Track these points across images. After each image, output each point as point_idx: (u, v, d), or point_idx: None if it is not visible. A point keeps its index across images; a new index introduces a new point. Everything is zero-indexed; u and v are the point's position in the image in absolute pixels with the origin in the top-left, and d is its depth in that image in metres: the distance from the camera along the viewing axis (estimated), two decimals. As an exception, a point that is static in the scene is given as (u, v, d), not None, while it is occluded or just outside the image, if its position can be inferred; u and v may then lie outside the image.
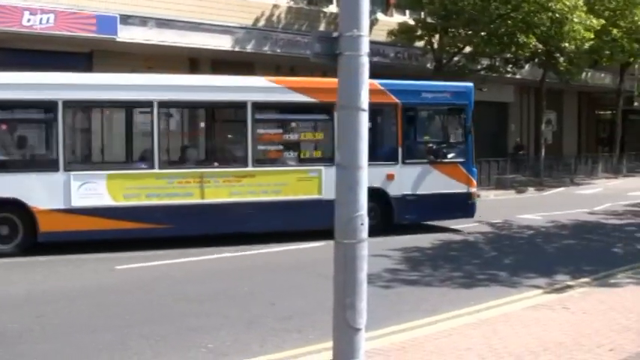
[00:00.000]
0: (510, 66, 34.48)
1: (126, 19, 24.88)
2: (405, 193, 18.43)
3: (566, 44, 32.18)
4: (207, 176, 16.56)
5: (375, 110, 11.91)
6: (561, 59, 34.68)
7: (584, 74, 42.08)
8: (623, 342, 8.29)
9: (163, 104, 16.46)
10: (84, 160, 17.65)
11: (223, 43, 28.21)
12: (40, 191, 15.25)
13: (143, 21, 25.83)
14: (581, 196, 29.64)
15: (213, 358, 8.20)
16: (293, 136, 18.14)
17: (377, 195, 17.32)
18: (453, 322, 9.50)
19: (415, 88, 19.66)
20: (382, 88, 18.25)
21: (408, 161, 18.59)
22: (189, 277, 13.03)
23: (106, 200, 15.68)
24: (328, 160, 16.54)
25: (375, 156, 13.83)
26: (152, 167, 16.15)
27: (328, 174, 16.36)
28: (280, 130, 18.09)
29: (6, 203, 15.04)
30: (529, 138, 45.08)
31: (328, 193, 14.62)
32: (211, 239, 15.99)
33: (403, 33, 32.60)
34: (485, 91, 39.24)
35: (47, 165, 15.64)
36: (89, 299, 11.08)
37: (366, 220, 5.83)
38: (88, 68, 25.19)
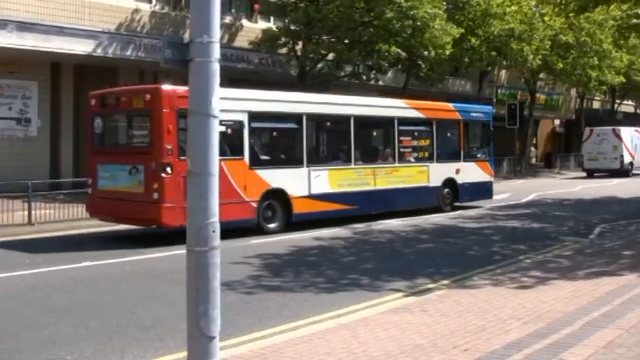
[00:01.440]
0: (373, 73, 34.95)
1: (-16, 22, 24.27)
2: (464, 182, 25.99)
3: (428, 52, 32.87)
4: (377, 170, 23.33)
5: (449, 124, 25.78)
6: (423, 66, 35.40)
7: (445, 81, 43.09)
8: (478, 342, 8.46)
9: (357, 119, 22.63)
10: (315, 158, 21.95)
11: (86, 47, 27.74)
12: (293, 182, 20.56)
13: (3, 24, 25.14)
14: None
15: (71, 371, 8.02)
16: (414, 141, 25.29)
17: (451, 183, 25.67)
18: (313, 328, 9.52)
19: (468, 108, 28.28)
20: (453, 108, 26.86)
21: (465, 159, 26.40)
22: (52, 286, 12.70)
23: (328, 188, 21.67)
24: (430, 158, 25.09)
25: (450, 155, 25.75)
26: (350, 164, 22.44)
27: (431, 168, 24.91)
28: (409, 137, 25.04)
29: (274, 192, 19.90)
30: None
31: (432, 181, 24.85)
32: (72, 245, 15.87)
33: (267, 40, 32.70)
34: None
35: (297, 162, 20.95)
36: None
37: (217, 228, 5.78)
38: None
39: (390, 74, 37.47)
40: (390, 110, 24.35)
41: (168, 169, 17.44)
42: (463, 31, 35.49)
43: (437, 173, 25.12)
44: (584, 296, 10.93)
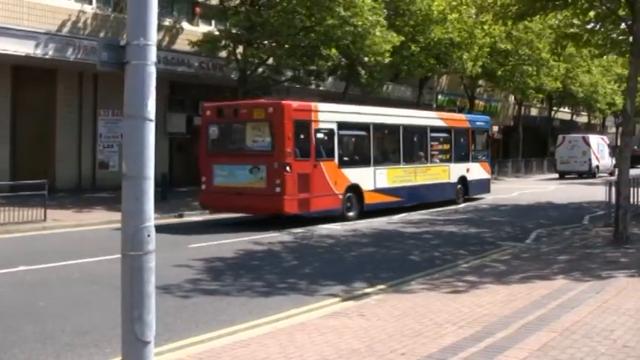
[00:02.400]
0: (314, 78, 34.99)
1: None
2: (472, 178, 32.15)
3: (368, 58, 33.01)
4: (417, 169, 28.71)
5: (462, 131, 31.65)
6: (363, 72, 35.53)
7: (385, 87, 43.30)
8: (415, 346, 8.52)
9: (405, 128, 28.30)
10: (377, 159, 26.62)
11: (25, 48, 27.32)
12: (364, 179, 25.37)
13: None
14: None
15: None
16: (440, 145, 31.04)
17: (463, 180, 31.55)
18: (251, 332, 9.50)
19: (474, 118, 35.34)
20: (465, 118, 34.64)
21: (473, 160, 32.55)
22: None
23: (386, 184, 26.64)
24: (450, 160, 31.01)
25: (463, 157, 31.65)
26: (399, 164, 27.68)
27: (451, 168, 30.78)
28: (437, 142, 30.84)
29: (353, 187, 24.64)
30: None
31: (451, 179, 30.71)
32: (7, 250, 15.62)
33: (207, 43, 32.56)
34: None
35: (366, 162, 25.88)
36: None
37: (152, 232, 5.73)
38: None
39: (330, 80, 37.53)
40: (424, 120, 30.33)
41: (288, 168, 22.16)
42: (403, 38, 35.67)
43: (455, 172, 31.13)
44: (520, 300, 11.08)
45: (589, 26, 23.17)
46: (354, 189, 24.80)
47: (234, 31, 31.76)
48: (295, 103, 23.39)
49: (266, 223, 22.58)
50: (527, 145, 66.99)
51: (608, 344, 8.49)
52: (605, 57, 48.21)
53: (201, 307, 11.26)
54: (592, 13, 21.54)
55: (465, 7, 41.22)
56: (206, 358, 8.20)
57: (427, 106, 49.21)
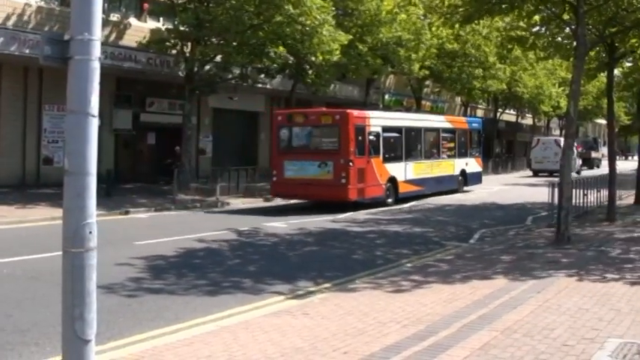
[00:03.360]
0: (262, 76, 34.93)
1: None
2: (469, 171, 38.52)
3: (315, 57, 33.01)
4: (433, 163, 34.85)
5: (463, 131, 38.65)
6: (310, 71, 35.53)
7: (332, 86, 43.35)
8: (358, 345, 8.56)
9: (425, 129, 34.72)
10: (407, 155, 32.41)
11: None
12: (398, 172, 31.10)
13: None
14: (331, 203, 30.36)
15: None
16: (448, 144, 36.97)
17: (463, 172, 37.69)
18: (194, 330, 9.49)
19: (471, 121, 42.04)
20: (464, 120, 41.17)
21: (470, 156, 38.88)
22: None
23: (413, 176, 32.52)
24: (454, 155, 36.91)
25: (463, 154, 37.52)
26: (422, 159, 33.82)
27: (455, 162, 36.84)
28: (445, 141, 36.77)
29: (391, 178, 30.42)
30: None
31: (455, 171, 36.58)
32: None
33: (156, 40, 32.34)
34: (236, 100, 39.67)
35: (399, 158, 31.55)
36: None
37: (94, 229, 5.66)
38: None
39: (278, 78, 37.49)
40: (438, 123, 37.07)
41: (351, 163, 27.62)
42: (351, 37, 35.75)
43: (458, 166, 37.34)
44: (463, 299, 11.18)
45: (534, 29, 23.47)
46: (392, 180, 30.65)
47: (182, 28, 31.54)
48: (355, 112, 29.59)
49: (214, 221, 22.46)
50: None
51: (548, 343, 8.61)
52: (550, 60, 48.96)
53: (145, 305, 11.19)
54: (537, 17, 21.83)
55: (413, 7, 41.48)
56: (148, 356, 8.15)
57: (374, 106, 49.46)
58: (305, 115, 30.15)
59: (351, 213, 26.00)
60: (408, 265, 15.21)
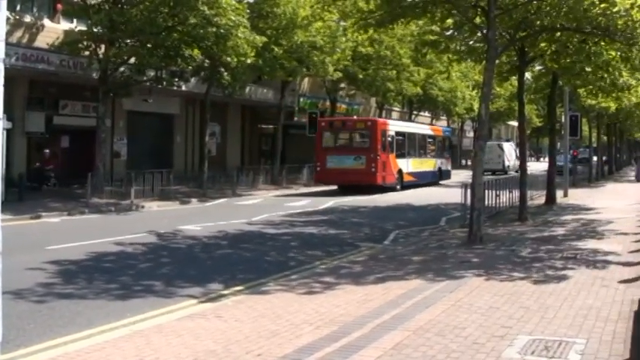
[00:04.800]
0: (176, 79, 34.68)
1: None
2: (444, 168, 49.59)
3: (230, 59, 32.90)
4: (422, 160, 45.47)
5: (440, 137, 51.67)
6: (225, 74, 35.40)
7: (247, 89, 43.32)
8: (271, 347, 8.58)
9: (419, 134, 47.04)
10: (408, 153, 43.71)
11: None
12: (404, 165, 41.84)
13: None
14: (243, 206, 30.38)
15: None
16: (431, 146, 48.77)
17: (439, 169, 48.55)
18: (107, 335, 9.37)
19: (445, 129, 54.78)
20: (441, 129, 53.73)
21: (444, 157, 50.11)
22: None
23: (412, 169, 43.12)
24: (435, 156, 48.69)
25: (440, 154, 50.29)
26: (416, 157, 44.93)
27: (436, 161, 48.58)
28: (430, 144, 48.74)
29: (399, 170, 41.11)
30: (194, 149, 45.62)
31: (435, 168, 48.34)
32: None
33: (69, 41, 31.82)
34: (151, 102, 39.33)
35: (404, 155, 42.67)
36: None
37: None
38: None
39: (192, 81, 37.28)
40: (426, 131, 49.99)
41: (378, 157, 38.88)
42: (266, 40, 35.78)
43: (437, 164, 48.48)
44: (376, 300, 11.28)
45: (448, 33, 23.77)
46: (400, 172, 41.60)
47: (95, 29, 31.09)
48: (381, 120, 44.47)
49: (128, 225, 22.22)
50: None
51: (459, 341, 8.75)
52: (463, 63, 49.83)
53: (56, 310, 11.01)
54: (450, 21, 22.12)
55: (328, 14, 41.68)
56: (59, 362, 8.05)
57: (289, 109, 49.60)
58: (343, 122, 43.35)
59: (267, 215, 26.02)
60: (322, 266, 15.24)
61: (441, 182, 47.91)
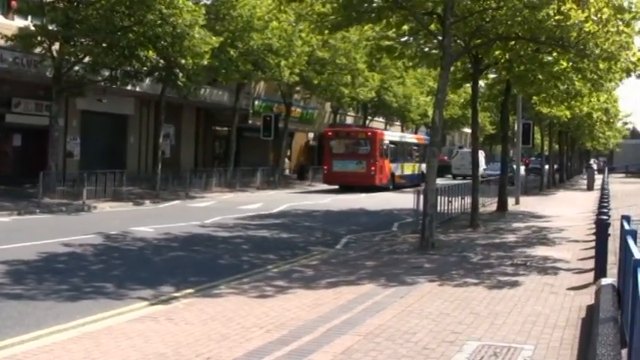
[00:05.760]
0: (130, 79, 34.45)
1: None
2: (423, 172, 40.89)
3: (186, 60, 32.74)
4: (412, 165, 54.30)
5: (424, 145, 53.98)
6: (180, 75, 35.23)
7: (202, 91, 43.17)
8: (221, 350, 8.58)
9: (408, 143, 56.08)
10: (399, 159, 51.46)
11: None
12: (395, 169, 50.24)
13: None
14: (195, 209, 30.27)
15: None
16: (416, 153, 56.10)
17: (423, 173, 38.97)
18: (56, 337, 9.30)
19: (427, 138, 48.80)
20: (424, 138, 58.06)
21: (424, 162, 42.73)
22: None
23: (401, 172, 51.50)
24: (419, 161, 53.38)
25: (422, 159, 48.61)
26: (405, 162, 53.07)
27: (421, 165, 50.12)
28: (415, 151, 56.21)
29: (392, 173, 49.58)
30: (148, 151, 45.36)
31: (420, 172, 50.95)
32: None
33: (23, 35, 31.38)
34: (105, 102, 39.07)
35: (395, 160, 50.82)
36: None
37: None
38: None
39: (147, 82, 37.07)
40: (412, 139, 57.88)
41: (377, 162, 46.09)
42: (222, 39, 35.70)
43: (421, 168, 49.88)
44: (327, 304, 11.32)
45: (403, 39, 23.89)
46: (392, 174, 48.98)
47: (50, 27, 30.74)
48: (379, 131, 52.21)
49: (79, 225, 22.04)
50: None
51: (409, 347, 8.83)
52: (419, 70, 50.42)
53: (4, 311, 10.86)
54: (406, 27, 22.24)
55: (284, 15, 41.72)
56: (5, 364, 7.98)
57: (243, 111, 49.54)
58: (347, 132, 51.33)
59: (219, 218, 25.96)
60: (274, 270, 15.25)
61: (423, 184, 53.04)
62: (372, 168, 46.37)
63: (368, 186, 44.91)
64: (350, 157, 47.27)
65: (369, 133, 49.13)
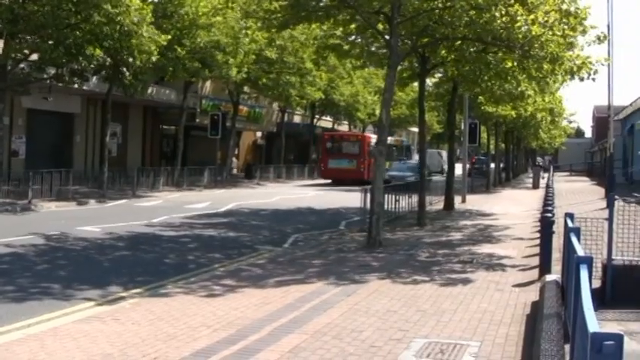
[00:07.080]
0: (77, 78, 34.04)
1: None
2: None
3: (133, 58, 32.45)
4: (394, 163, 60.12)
5: (402, 147, 77.47)
6: (127, 73, 34.92)
7: (150, 89, 42.86)
8: (168, 350, 8.55)
9: (395, 145, 72.23)
10: (387, 158, 38.59)
11: None
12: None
13: None
14: (142, 208, 30.06)
15: None
16: (395, 152, 66.99)
17: None
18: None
19: (404, 140, 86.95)
20: (401, 140, 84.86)
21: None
22: None
23: (390, 172, 46.49)
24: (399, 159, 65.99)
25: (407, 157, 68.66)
26: (387, 160, 41.50)
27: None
28: (394, 151, 65.94)
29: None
30: (94, 150, 44.96)
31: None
32: None
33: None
34: (51, 100, 38.63)
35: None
36: None
37: None
38: None
39: (94, 80, 36.70)
40: (392, 141, 66.23)
41: (365, 161, 54.05)
42: (170, 37, 35.49)
43: None
44: (274, 303, 11.33)
45: (351, 38, 23.98)
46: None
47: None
48: (367, 135, 60.71)
49: (24, 225, 21.77)
50: (289, 151, 68.48)
51: (356, 345, 8.87)
52: (366, 69, 50.96)
53: (-54, 312, 10.73)
54: (353, 26, 22.32)
55: (230, 10, 41.63)
56: (-55, 368, 7.87)
57: (191, 110, 49.35)
58: (341, 135, 62.87)
59: (166, 217, 25.83)
60: (221, 269, 15.22)
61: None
62: (362, 166, 55.00)
63: (358, 180, 48.89)
64: (343, 156, 56.20)
65: (359, 137, 60.64)
